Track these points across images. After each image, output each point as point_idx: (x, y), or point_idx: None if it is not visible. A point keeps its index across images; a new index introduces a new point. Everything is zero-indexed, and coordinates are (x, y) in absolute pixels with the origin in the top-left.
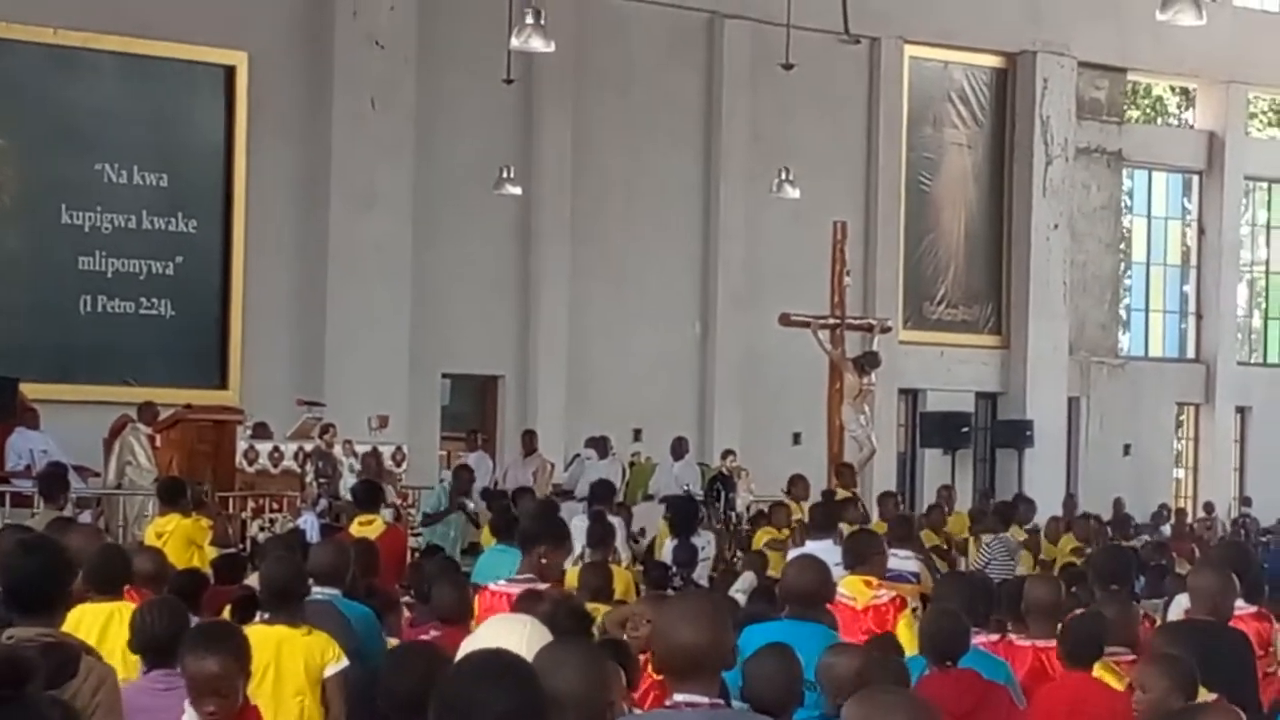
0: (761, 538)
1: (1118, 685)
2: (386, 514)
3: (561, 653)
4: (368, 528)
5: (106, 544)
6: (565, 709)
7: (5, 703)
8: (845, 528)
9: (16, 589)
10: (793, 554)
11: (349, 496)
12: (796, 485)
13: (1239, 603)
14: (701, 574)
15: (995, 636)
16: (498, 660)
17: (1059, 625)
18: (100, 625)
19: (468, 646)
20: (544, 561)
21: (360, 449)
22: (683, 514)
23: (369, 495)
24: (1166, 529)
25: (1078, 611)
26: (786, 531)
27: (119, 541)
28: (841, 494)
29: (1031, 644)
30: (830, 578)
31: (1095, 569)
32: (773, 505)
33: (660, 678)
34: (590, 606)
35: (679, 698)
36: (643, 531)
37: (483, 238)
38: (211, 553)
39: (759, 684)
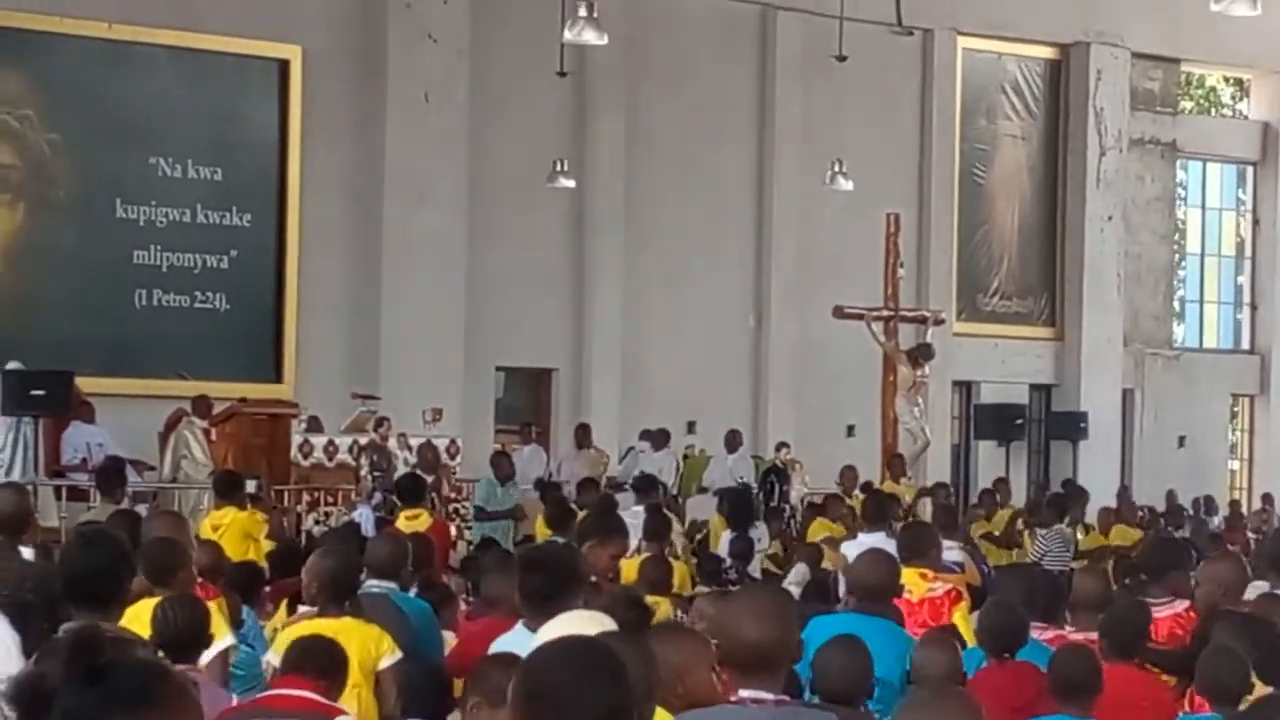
0: (818, 530)
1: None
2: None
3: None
4: (414, 522)
5: (163, 536)
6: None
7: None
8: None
9: (76, 582)
10: (845, 547)
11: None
12: (846, 477)
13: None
14: (755, 566)
15: (1051, 631)
16: (586, 651)
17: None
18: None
19: (542, 640)
20: (592, 556)
21: (415, 442)
22: (739, 507)
23: (413, 489)
24: (1216, 520)
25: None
26: (841, 528)
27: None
28: (890, 487)
29: (1083, 636)
30: (899, 573)
31: (1146, 560)
32: (827, 498)
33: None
34: (650, 599)
35: (744, 694)
36: (705, 524)
37: (536, 231)
38: (267, 546)
39: (829, 674)
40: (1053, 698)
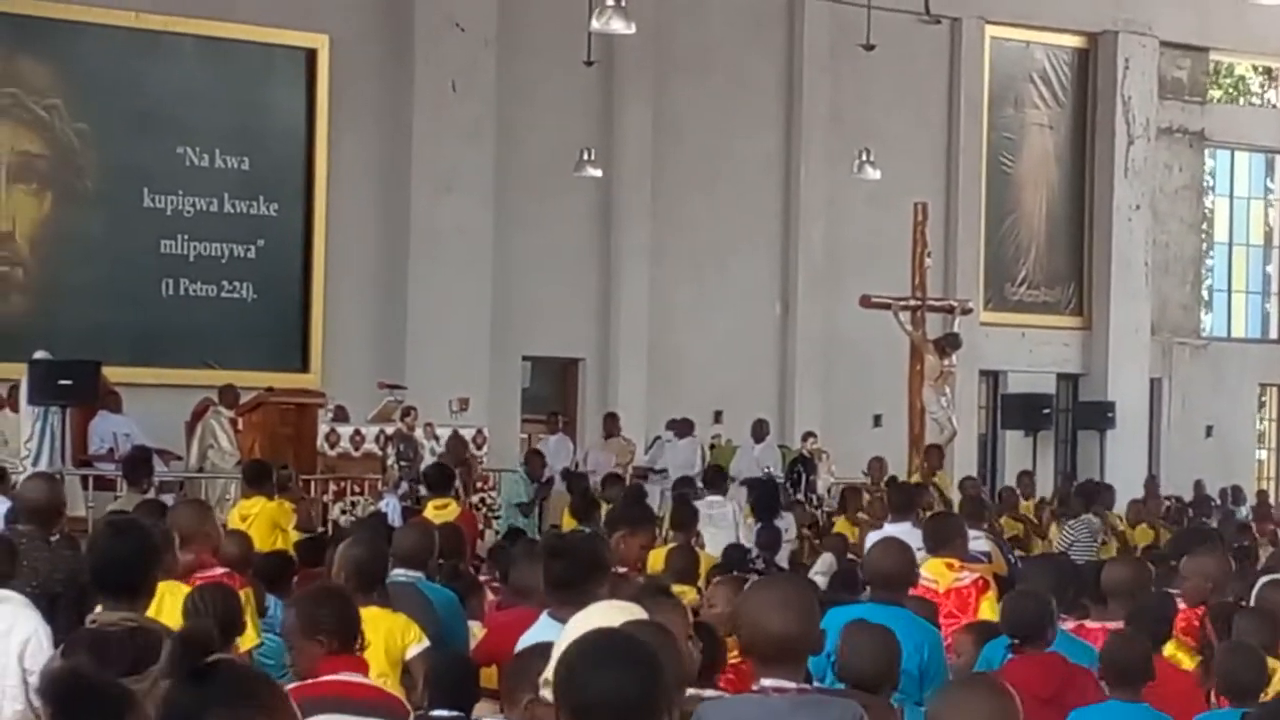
0: (844, 526)
1: (1189, 665)
2: None
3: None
4: (443, 511)
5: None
6: None
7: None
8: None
9: (104, 571)
10: (871, 537)
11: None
12: (874, 468)
13: None
14: (782, 556)
15: (1072, 621)
16: (618, 642)
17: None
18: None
19: (575, 628)
20: (622, 546)
21: (441, 432)
22: (765, 496)
23: (441, 479)
24: (1244, 510)
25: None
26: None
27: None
28: (917, 478)
29: (1103, 625)
30: (914, 561)
31: (1175, 551)
32: (845, 490)
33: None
34: (676, 589)
35: (766, 683)
36: None
37: (563, 220)
38: (295, 536)
39: (858, 659)
40: (1106, 683)
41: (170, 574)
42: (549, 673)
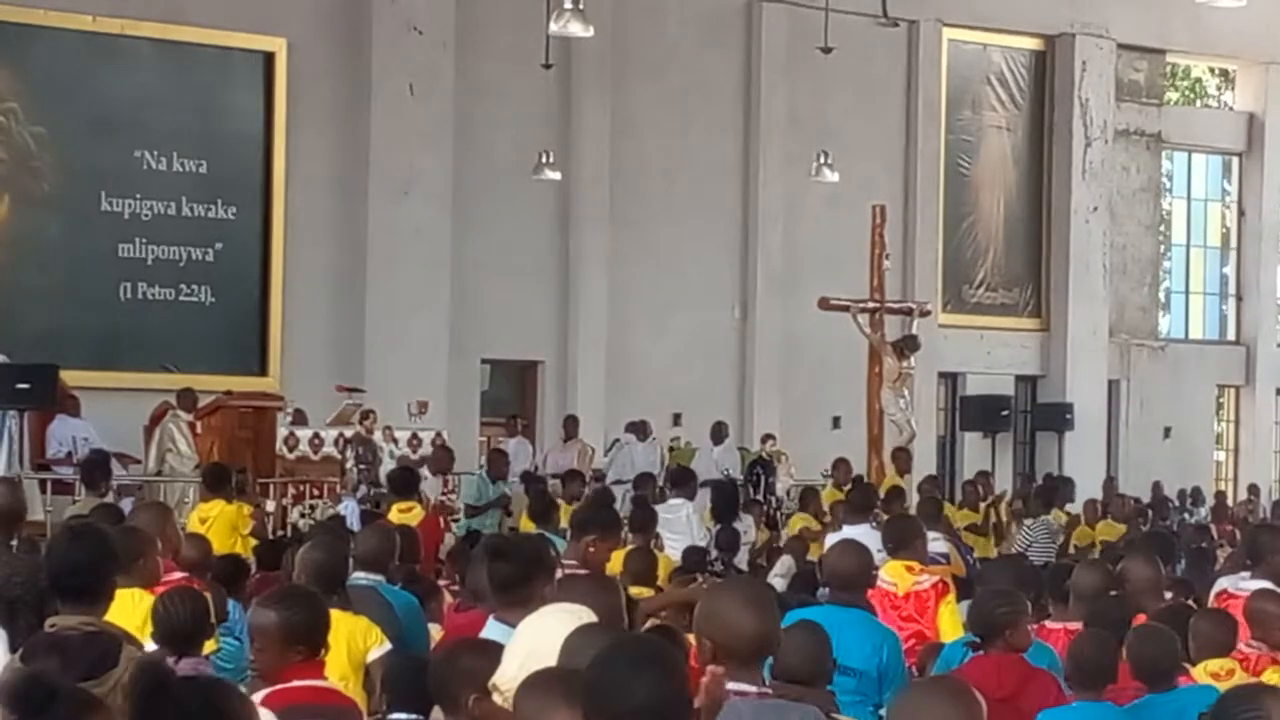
0: (796, 523)
1: None
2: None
3: (589, 637)
4: (408, 514)
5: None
6: None
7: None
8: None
9: (63, 576)
10: (829, 539)
11: (387, 482)
12: (839, 469)
13: (1264, 584)
14: (741, 558)
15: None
16: (645, 650)
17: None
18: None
19: (524, 634)
20: (591, 550)
21: (400, 435)
22: (725, 499)
23: (406, 482)
24: (1204, 511)
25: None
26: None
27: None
28: (891, 481)
29: (1063, 626)
30: (872, 562)
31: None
32: (804, 491)
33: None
34: (634, 591)
35: (728, 686)
36: None
37: (522, 223)
38: (250, 541)
39: (791, 656)
40: (1070, 683)
41: (152, 579)
42: (499, 677)
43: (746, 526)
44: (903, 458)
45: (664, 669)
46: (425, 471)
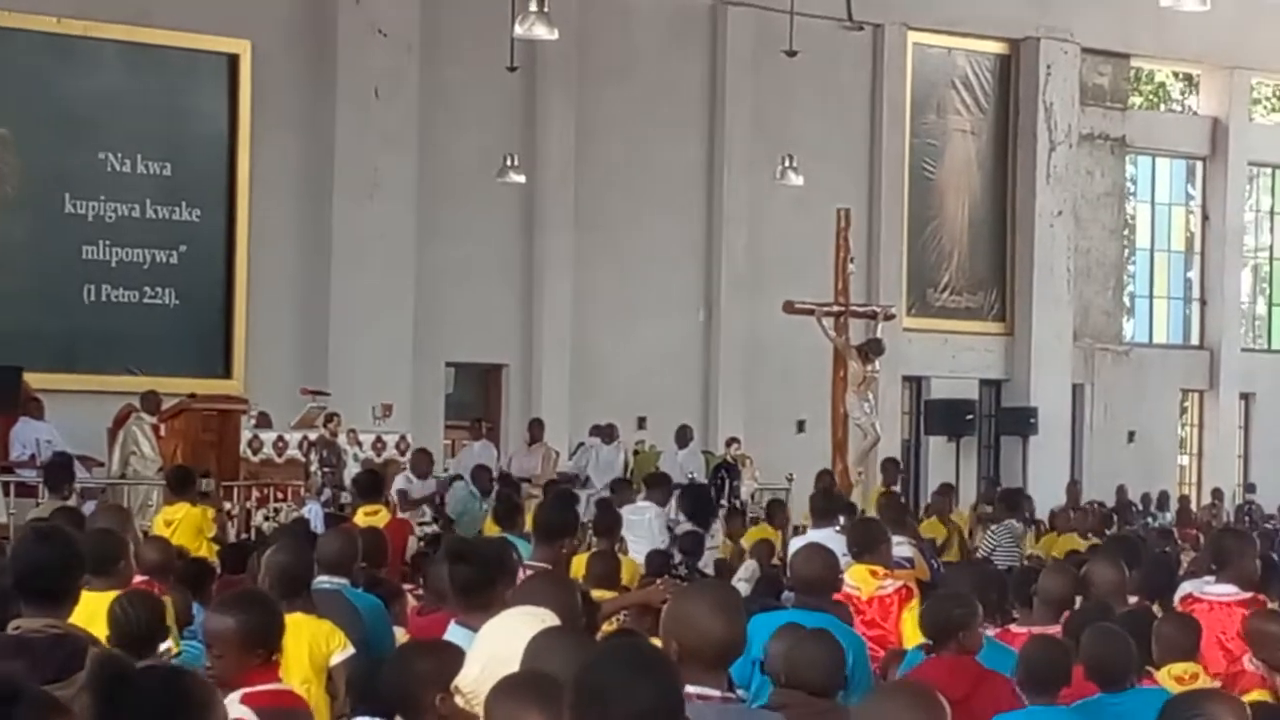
0: (755, 535)
1: None
2: None
3: (554, 640)
4: (374, 518)
5: (103, 528)
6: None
7: None
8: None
9: (27, 578)
10: (794, 543)
11: (352, 486)
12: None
13: (1230, 589)
14: (707, 561)
15: (998, 627)
16: (641, 653)
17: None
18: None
19: (486, 637)
20: (565, 552)
21: (365, 438)
22: (700, 501)
23: (372, 485)
24: (1169, 516)
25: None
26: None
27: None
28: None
29: (1028, 630)
30: (838, 567)
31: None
32: (771, 502)
33: None
34: (596, 594)
35: (691, 690)
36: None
37: (486, 226)
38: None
39: (807, 668)
40: (1023, 688)
41: (128, 582)
42: (461, 680)
43: (714, 530)
44: (891, 468)
45: (660, 674)
46: (411, 475)
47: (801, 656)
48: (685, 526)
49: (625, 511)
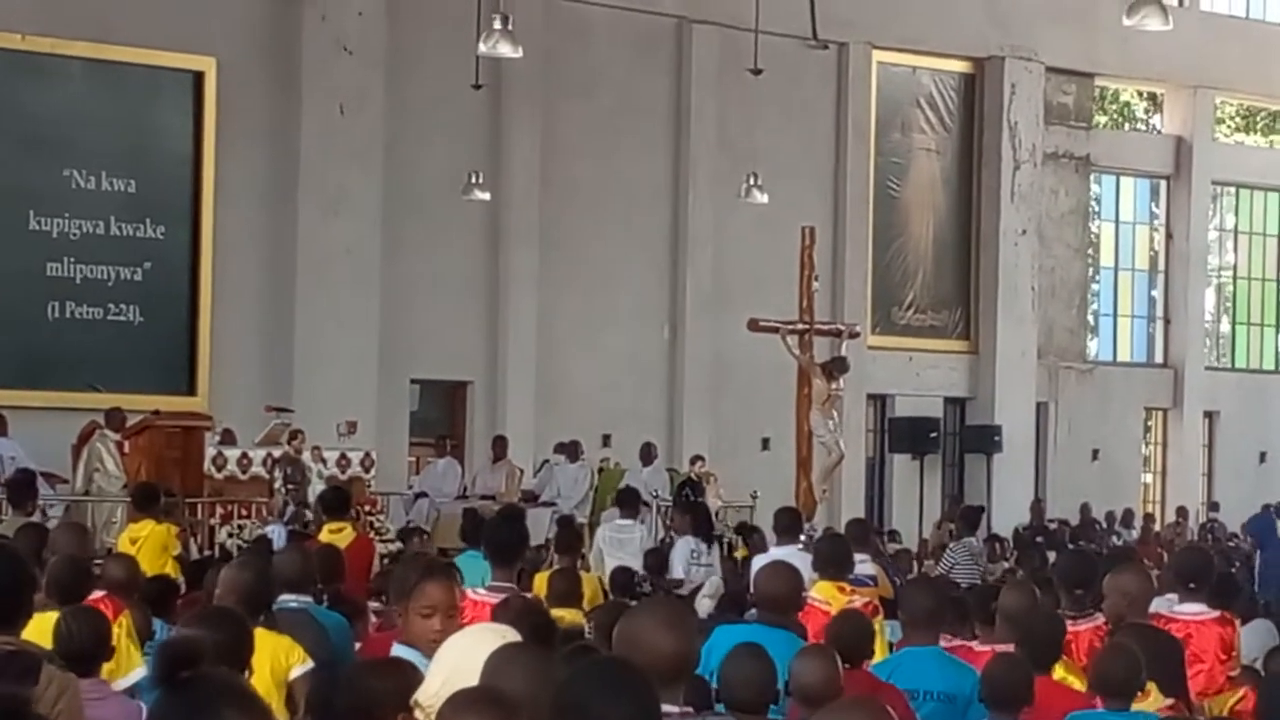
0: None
1: (1080, 686)
2: None
3: (514, 655)
4: (338, 535)
5: (69, 555)
6: (518, 710)
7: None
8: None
9: None
10: (757, 560)
11: (317, 503)
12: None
13: (1200, 607)
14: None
15: (957, 641)
16: (618, 670)
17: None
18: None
19: (448, 651)
20: (525, 570)
21: (329, 455)
22: (703, 518)
23: (338, 502)
24: (1133, 534)
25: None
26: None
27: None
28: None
29: (990, 648)
30: (802, 584)
31: (1061, 574)
32: (741, 525)
33: None
34: (557, 613)
35: None
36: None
37: (451, 243)
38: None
39: (734, 683)
40: (985, 705)
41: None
42: (422, 694)
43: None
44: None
45: (638, 690)
46: None
47: (734, 674)
48: (703, 553)
49: (609, 530)
